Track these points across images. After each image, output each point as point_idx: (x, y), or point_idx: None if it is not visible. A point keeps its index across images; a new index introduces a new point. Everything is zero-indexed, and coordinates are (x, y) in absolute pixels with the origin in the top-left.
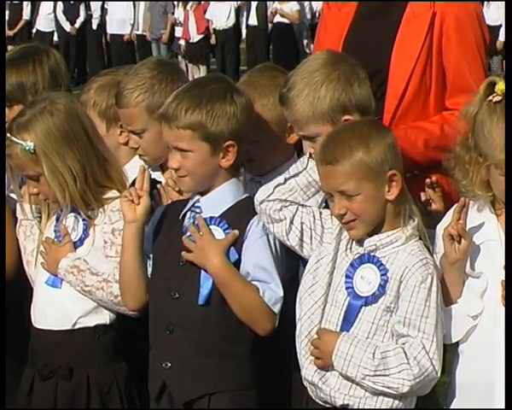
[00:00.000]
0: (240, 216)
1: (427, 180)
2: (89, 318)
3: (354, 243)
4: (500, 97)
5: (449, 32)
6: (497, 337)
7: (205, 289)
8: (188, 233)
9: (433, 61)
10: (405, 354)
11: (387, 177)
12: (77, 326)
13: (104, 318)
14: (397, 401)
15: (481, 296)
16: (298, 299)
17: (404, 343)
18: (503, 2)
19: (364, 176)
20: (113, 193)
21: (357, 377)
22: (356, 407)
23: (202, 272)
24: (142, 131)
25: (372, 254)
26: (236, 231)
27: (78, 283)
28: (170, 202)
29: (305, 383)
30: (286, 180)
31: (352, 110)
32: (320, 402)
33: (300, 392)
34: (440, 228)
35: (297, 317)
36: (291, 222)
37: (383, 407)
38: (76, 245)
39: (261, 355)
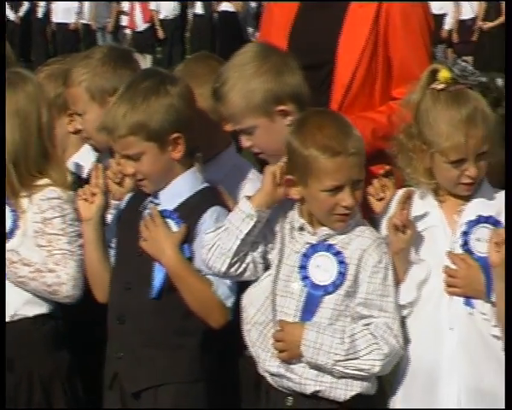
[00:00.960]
0: (194, 209)
1: (381, 171)
2: (27, 308)
3: (298, 233)
4: (443, 85)
5: (395, 21)
6: (441, 325)
7: (157, 281)
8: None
9: (380, 50)
10: (373, 335)
11: None
12: (16, 317)
13: (43, 308)
14: (365, 383)
15: (419, 285)
16: (247, 292)
17: (367, 324)
18: None
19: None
20: (44, 181)
21: (328, 363)
22: (327, 393)
23: (156, 264)
24: (83, 112)
25: (326, 242)
26: (185, 226)
27: (12, 275)
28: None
29: (264, 374)
30: (242, 240)
31: (286, 100)
32: (285, 391)
33: (255, 382)
34: (386, 217)
35: (245, 309)
36: (254, 263)
37: (352, 391)
38: (7, 237)
39: (211, 347)
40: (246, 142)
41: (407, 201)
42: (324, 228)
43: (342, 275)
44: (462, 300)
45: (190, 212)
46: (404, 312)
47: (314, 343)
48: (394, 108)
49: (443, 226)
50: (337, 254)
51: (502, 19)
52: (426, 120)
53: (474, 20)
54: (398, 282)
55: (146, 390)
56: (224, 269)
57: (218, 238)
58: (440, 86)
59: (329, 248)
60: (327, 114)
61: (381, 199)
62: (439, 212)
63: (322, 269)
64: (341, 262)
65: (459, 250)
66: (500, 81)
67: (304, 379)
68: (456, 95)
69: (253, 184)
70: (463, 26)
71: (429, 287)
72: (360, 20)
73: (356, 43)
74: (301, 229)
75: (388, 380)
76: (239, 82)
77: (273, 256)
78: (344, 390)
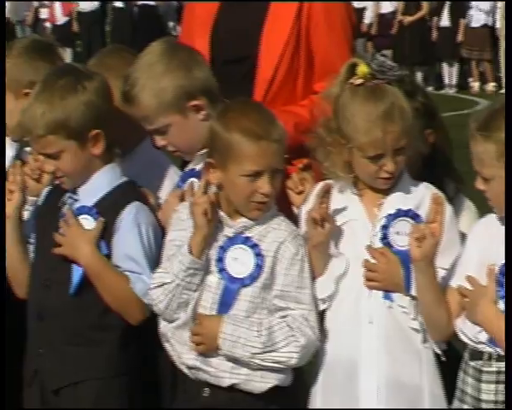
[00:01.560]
0: (113, 204)
1: (300, 165)
2: None
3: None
4: (361, 80)
5: (317, 16)
6: (360, 318)
7: (75, 278)
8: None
9: (302, 45)
10: (290, 327)
11: None
12: None
13: None
14: (281, 375)
15: (338, 279)
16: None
17: (284, 316)
18: None
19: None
20: None
21: (245, 356)
22: (243, 385)
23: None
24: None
25: (243, 234)
26: (102, 219)
27: None
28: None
29: (181, 367)
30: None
31: (197, 95)
32: (202, 383)
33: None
34: (304, 209)
35: (159, 302)
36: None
37: (268, 383)
38: None
39: (131, 343)
40: (160, 141)
41: (325, 194)
42: (241, 220)
43: (259, 267)
44: (381, 293)
45: (109, 208)
46: (323, 306)
47: (231, 336)
48: (316, 102)
49: (362, 220)
50: (254, 246)
51: (421, 13)
52: (344, 115)
53: (393, 13)
54: (316, 276)
55: (66, 387)
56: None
57: (172, 295)
58: (358, 81)
59: (246, 240)
60: (251, 102)
61: (300, 192)
62: (358, 205)
63: (239, 262)
64: (258, 255)
65: (379, 244)
66: (419, 75)
67: (220, 372)
68: (374, 90)
69: (171, 181)
70: (383, 19)
71: (349, 280)
72: (282, 15)
73: (278, 38)
74: (219, 222)
75: (309, 372)
76: (149, 82)
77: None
78: (260, 383)
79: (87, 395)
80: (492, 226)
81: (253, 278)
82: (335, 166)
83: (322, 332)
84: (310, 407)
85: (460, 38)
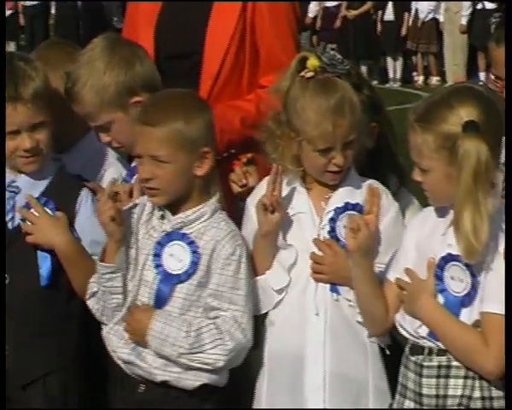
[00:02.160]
0: (64, 194)
1: (243, 159)
2: None
3: (159, 221)
4: (312, 73)
5: (262, 10)
6: (307, 310)
7: (45, 269)
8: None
9: (247, 39)
10: (219, 329)
11: (201, 153)
12: None
13: None
14: (213, 375)
15: (289, 269)
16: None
17: (216, 317)
18: None
19: (179, 146)
20: None
21: (173, 355)
22: (175, 382)
23: (39, 253)
24: None
25: (181, 231)
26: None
27: None
28: None
29: (118, 361)
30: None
31: (139, 91)
32: (138, 378)
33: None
34: (251, 201)
35: (95, 311)
36: None
37: (199, 381)
38: None
39: (94, 330)
40: (104, 137)
41: (277, 180)
42: (179, 216)
43: (194, 265)
44: (328, 286)
45: (60, 198)
46: (279, 297)
47: (160, 334)
48: (262, 97)
49: (310, 213)
50: (191, 243)
51: (366, 7)
52: (294, 108)
53: (338, 7)
54: (264, 267)
55: (34, 382)
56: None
57: (103, 302)
58: (309, 74)
59: (183, 237)
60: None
61: (243, 186)
62: (306, 199)
63: (176, 258)
64: (194, 252)
65: (326, 237)
66: (364, 68)
67: (153, 368)
68: (325, 83)
69: (116, 168)
70: (327, 13)
71: (296, 273)
72: (227, 9)
73: (223, 33)
74: (162, 217)
75: (255, 364)
76: (90, 79)
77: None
78: (192, 381)
79: (55, 385)
80: (429, 219)
81: (188, 275)
82: (284, 159)
83: (270, 324)
84: (256, 400)
85: (404, 32)
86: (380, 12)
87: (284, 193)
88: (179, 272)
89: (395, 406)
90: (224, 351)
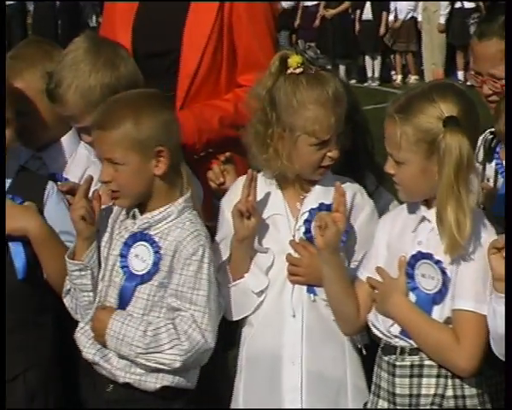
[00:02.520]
0: (29, 190)
1: (222, 158)
2: None
3: (131, 221)
4: (301, 69)
5: (239, 9)
6: (284, 311)
7: (19, 261)
8: None
9: (225, 38)
10: (176, 330)
11: (155, 152)
12: None
13: None
14: (177, 377)
15: (267, 271)
16: None
17: (177, 317)
18: None
19: (131, 147)
20: None
21: (130, 355)
22: (137, 384)
23: (12, 247)
24: None
25: (145, 231)
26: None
27: None
28: None
29: (89, 361)
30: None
31: (123, 91)
32: (107, 378)
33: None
34: (225, 202)
35: (70, 309)
36: None
37: (164, 384)
38: None
39: (60, 327)
40: (87, 138)
41: (252, 185)
42: (146, 216)
43: (156, 265)
44: (304, 287)
45: (26, 192)
46: (259, 299)
47: (118, 334)
48: (240, 96)
49: (286, 215)
50: (153, 243)
51: (343, 6)
52: (288, 105)
53: (317, 6)
54: (244, 272)
55: (16, 378)
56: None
57: (75, 300)
58: (299, 70)
59: (147, 237)
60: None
61: (221, 184)
62: (281, 200)
63: (140, 258)
64: (156, 252)
65: (302, 238)
66: (342, 68)
67: (115, 369)
68: (317, 76)
69: (96, 168)
70: (307, 12)
71: (272, 275)
72: (204, 8)
73: (200, 32)
74: (134, 217)
75: (233, 365)
76: (75, 81)
77: (102, 247)
78: (153, 383)
79: (34, 381)
80: (400, 218)
81: (149, 275)
82: (279, 158)
83: (247, 325)
84: (233, 401)
85: (382, 31)
86: (358, 11)
87: (259, 195)
88: (142, 272)
89: (369, 405)
90: (180, 351)
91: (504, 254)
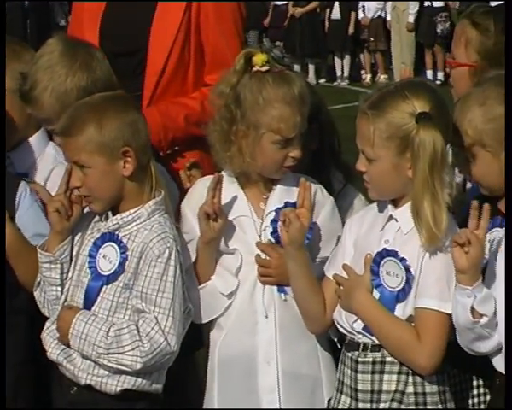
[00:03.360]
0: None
1: (187, 164)
2: None
3: (102, 223)
4: (267, 67)
5: (207, 8)
6: (256, 312)
7: None
8: None
9: (192, 37)
10: (138, 331)
11: (121, 153)
12: None
13: None
14: (140, 379)
15: (236, 273)
16: None
17: (140, 318)
18: None
19: (95, 150)
20: None
21: (92, 355)
22: (98, 386)
23: None
24: None
25: (115, 232)
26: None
27: None
28: None
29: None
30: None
31: (98, 93)
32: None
33: None
34: (186, 205)
35: (39, 303)
36: None
37: (125, 386)
38: None
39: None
40: (59, 140)
41: (217, 187)
42: (115, 217)
43: (122, 266)
44: (275, 287)
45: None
46: (229, 301)
47: (81, 333)
48: (207, 95)
49: (251, 216)
50: (120, 244)
51: (312, 5)
52: (254, 103)
53: (287, 5)
54: (209, 274)
55: None
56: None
57: (44, 293)
58: (264, 68)
59: (115, 238)
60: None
61: (188, 189)
62: (245, 202)
63: (107, 259)
64: (123, 253)
65: (269, 238)
66: (311, 67)
67: (78, 371)
68: (283, 75)
69: (62, 167)
70: (277, 11)
71: (241, 276)
72: (171, 7)
73: (167, 31)
74: (107, 218)
75: (203, 366)
76: (51, 84)
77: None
78: (115, 386)
79: (9, 381)
80: (368, 216)
81: (115, 275)
82: (242, 155)
83: (217, 328)
84: (206, 404)
85: (350, 30)
86: (327, 10)
87: (225, 195)
88: (108, 272)
89: (332, 401)
90: (141, 353)
91: (466, 250)
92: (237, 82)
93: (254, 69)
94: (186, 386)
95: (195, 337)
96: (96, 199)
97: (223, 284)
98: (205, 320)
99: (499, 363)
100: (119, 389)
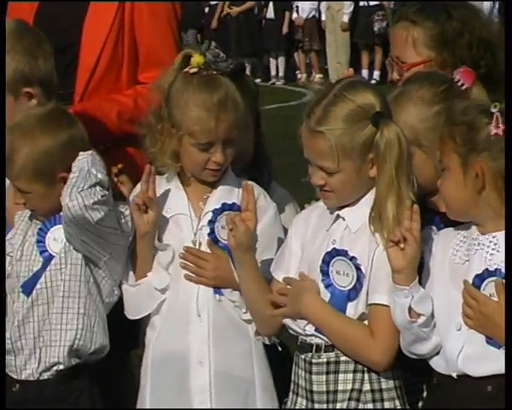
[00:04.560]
0: None
1: (115, 170)
2: None
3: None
4: (196, 69)
5: (141, 6)
6: (190, 313)
7: None
8: None
9: (125, 35)
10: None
11: (58, 179)
12: None
13: None
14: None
15: (167, 268)
16: None
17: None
18: None
19: (32, 177)
20: None
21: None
22: (31, 378)
23: None
24: None
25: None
26: None
27: None
28: None
29: None
30: None
31: (34, 83)
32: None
33: None
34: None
35: None
36: None
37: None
38: None
39: None
40: None
41: (150, 179)
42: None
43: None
44: (211, 288)
45: None
46: (163, 296)
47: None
48: (141, 92)
49: (189, 214)
50: (39, 242)
51: (248, 4)
52: (177, 103)
53: (223, 5)
54: (146, 270)
55: None
56: None
57: None
58: (193, 70)
59: (39, 234)
60: None
61: (123, 182)
62: (184, 200)
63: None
64: (44, 251)
65: (206, 238)
66: (247, 66)
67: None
68: (209, 80)
69: None
70: (212, 10)
71: (176, 275)
72: (105, 4)
73: (100, 28)
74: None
75: (139, 367)
76: None
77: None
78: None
79: None
80: (313, 216)
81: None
82: (163, 154)
83: (151, 327)
84: (139, 402)
85: (285, 30)
86: (265, 10)
87: (163, 194)
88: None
89: (289, 404)
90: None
91: (402, 246)
92: (174, 80)
93: (184, 70)
94: (120, 383)
95: (131, 337)
96: (39, 212)
97: (156, 280)
98: (138, 316)
99: (438, 363)
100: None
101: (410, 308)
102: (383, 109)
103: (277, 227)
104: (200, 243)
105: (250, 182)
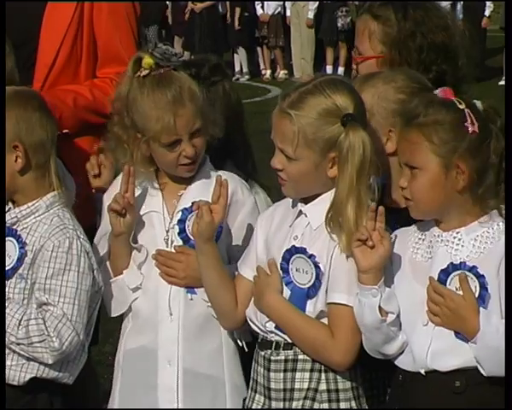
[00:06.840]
0: None
1: (95, 148)
2: None
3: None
4: (147, 71)
5: (100, 4)
6: (161, 311)
7: None
8: None
9: (84, 31)
10: (46, 326)
11: (11, 146)
12: None
13: None
14: (47, 369)
15: (139, 267)
16: None
17: (46, 311)
18: None
19: None
20: None
21: (8, 343)
22: (7, 376)
23: None
24: None
25: (13, 226)
26: None
27: None
28: None
29: None
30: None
31: None
32: None
33: None
34: (107, 198)
35: None
36: None
37: (28, 372)
38: None
39: None
40: None
41: (129, 180)
42: (14, 211)
43: (20, 261)
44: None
45: None
46: (135, 295)
47: None
48: (96, 84)
49: (162, 212)
50: (18, 239)
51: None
52: (136, 109)
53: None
54: (122, 268)
55: None
56: None
57: None
58: (144, 72)
59: (13, 232)
60: None
61: (96, 176)
62: (159, 198)
63: (7, 254)
64: (21, 248)
65: (177, 237)
66: (213, 60)
67: None
68: (160, 78)
69: None
70: (178, 6)
71: (148, 273)
72: (62, 5)
73: (59, 23)
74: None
75: (104, 363)
76: None
77: None
78: (24, 373)
79: None
80: (278, 212)
81: (13, 270)
82: (136, 162)
83: (127, 323)
84: (111, 400)
85: (236, 26)
86: (228, 4)
87: (138, 192)
88: (8, 268)
89: (247, 401)
90: (51, 348)
91: (371, 244)
92: (129, 88)
93: (136, 75)
94: (84, 380)
95: (93, 333)
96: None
97: (130, 278)
98: (114, 314)
99: (404, 361)
100: (28, 377)
101: (379, 307)
102: (356, 113)
103: (254, 220)
104: (172, 242)
105: (229, 174)
